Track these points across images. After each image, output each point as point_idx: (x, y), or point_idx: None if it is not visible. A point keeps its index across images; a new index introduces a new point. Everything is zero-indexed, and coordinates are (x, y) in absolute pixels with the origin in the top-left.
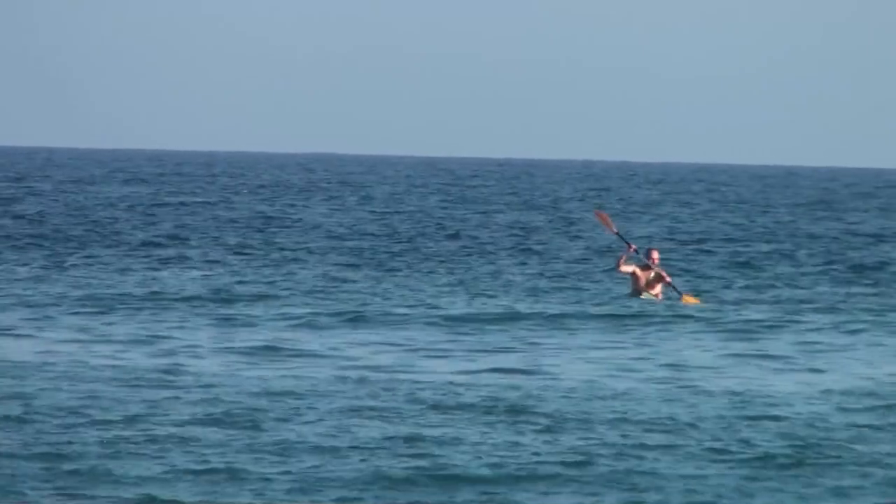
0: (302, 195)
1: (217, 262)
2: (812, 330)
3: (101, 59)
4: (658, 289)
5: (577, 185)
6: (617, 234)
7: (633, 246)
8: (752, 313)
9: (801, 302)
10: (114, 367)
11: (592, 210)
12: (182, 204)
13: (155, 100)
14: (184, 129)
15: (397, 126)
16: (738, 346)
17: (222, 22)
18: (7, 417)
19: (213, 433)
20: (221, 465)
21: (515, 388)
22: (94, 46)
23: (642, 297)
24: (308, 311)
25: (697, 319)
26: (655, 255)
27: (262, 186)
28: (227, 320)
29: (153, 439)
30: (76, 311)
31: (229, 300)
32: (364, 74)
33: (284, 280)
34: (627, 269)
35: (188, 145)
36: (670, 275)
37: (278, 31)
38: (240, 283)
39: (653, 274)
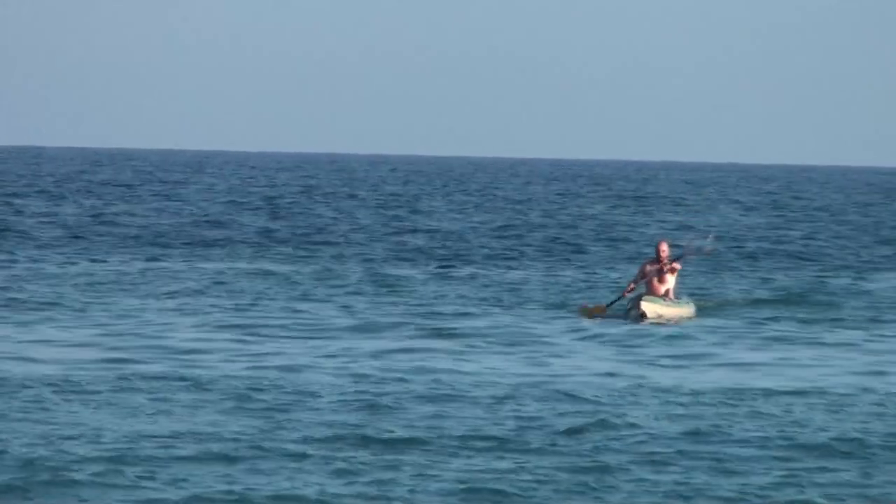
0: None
1: None
2: None
3: (107, 60)
4: (669, 283)
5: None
6: (606, 307)
7: (631, 286)
8: None
9: None
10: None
11: (578, 309)
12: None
13: (161, 100)
14: (185, 130)
15: (394, 127)
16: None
17: (225, 24)
18: None
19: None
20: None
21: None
22: (102, 47)
23: (651, 301)
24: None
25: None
26: (664, 247)
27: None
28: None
29: None
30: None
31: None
32: (361, 75)
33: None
34: (639, 281)
35: (192, 145)
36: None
37: (279, 33)
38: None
39: (664, 268)
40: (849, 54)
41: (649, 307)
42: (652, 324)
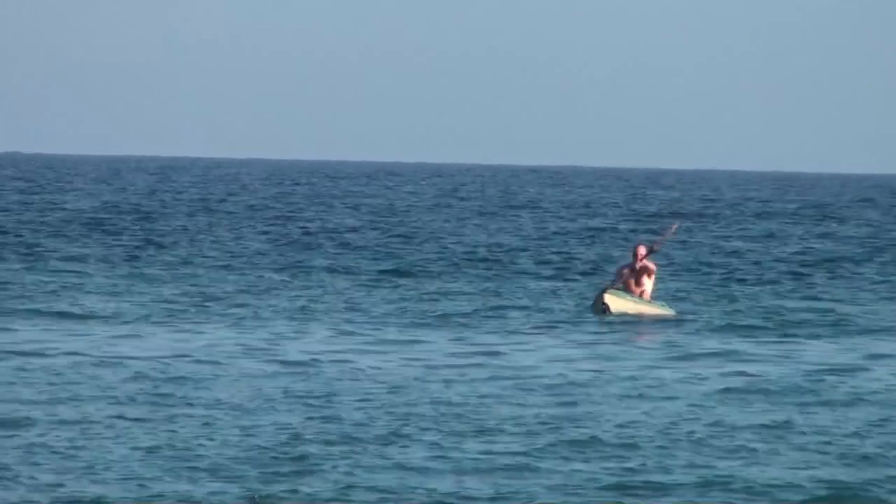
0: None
1: None
2: None
3: (107, 60)
4: (646, 286)
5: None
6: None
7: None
8: None
9: None
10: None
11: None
12: None
13: (160, 106)
14: (184, 131)
15: (392, 129)
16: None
17: (225, 24)
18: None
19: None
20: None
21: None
22: (108, 51)
23: (616, 294)
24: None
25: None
26: (641, 250)
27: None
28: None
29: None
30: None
31: None
32: (362, 76)
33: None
34: (616, 283)
35: (192, 152)
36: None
37: (279, 33)
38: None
39: (637, 268)
40: (849, 55)
41: (613, 300)
42: (616, 318)
